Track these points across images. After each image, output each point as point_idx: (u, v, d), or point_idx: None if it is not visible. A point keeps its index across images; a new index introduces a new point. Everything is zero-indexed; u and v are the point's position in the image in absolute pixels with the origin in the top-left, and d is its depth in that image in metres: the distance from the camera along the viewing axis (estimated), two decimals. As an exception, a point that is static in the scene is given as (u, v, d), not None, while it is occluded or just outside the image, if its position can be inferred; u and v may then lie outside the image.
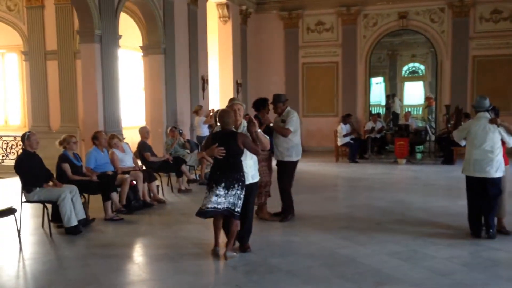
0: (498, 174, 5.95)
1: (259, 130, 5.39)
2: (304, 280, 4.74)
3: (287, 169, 7.01)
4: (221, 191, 5.14)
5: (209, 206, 5.15)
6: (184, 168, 9.31)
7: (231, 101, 5.62)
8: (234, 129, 5.34)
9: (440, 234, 6.20)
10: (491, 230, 5.90)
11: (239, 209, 5.19)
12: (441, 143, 13.31)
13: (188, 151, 10.11)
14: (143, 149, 8.92)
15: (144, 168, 8.59)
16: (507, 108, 13.22)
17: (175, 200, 8.58)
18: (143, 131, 9.08)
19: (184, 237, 6.23)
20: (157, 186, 8.46)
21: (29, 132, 6.67)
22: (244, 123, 5.50)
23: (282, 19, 16.23)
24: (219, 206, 5.15)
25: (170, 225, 6.89)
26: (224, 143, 5.18)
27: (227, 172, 5.17)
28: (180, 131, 10.16)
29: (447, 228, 6.50)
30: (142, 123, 11.88)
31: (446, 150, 12.66)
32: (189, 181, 9.46)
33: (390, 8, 15.26)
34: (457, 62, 14.75)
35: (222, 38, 14.61)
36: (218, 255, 5.28)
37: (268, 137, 5.63)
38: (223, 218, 5.29)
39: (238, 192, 5.17)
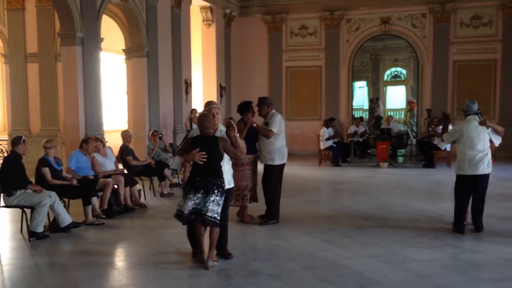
0: (489, 170, 6.43)
1: (237, 135, 5.37)
2: (286, 283, 4.75)
3: (269, 173, 7.00)
4: (198, 196, 5.07)
5: (186, 211, 5.08)
6: (167, 172, 9.26)
7: (209, 104, 5.57)
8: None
9: (420, 236, 6.26)
10: (480, 226, 6.37)
11: (218, 216, 5.09)
12: (422, 146, 13.46)
13: (170, 155, 10.06)
14: (125, 153, 8.85)
15: (125, 172, 8.52)
16: (487, 112, 13.43)
17: (157, 204, 8.53)
18: (125, 135, 9.01)
19: (166, 242, 6.19)
20: (139, 190, 8.39)
21: (23, 137, 6.65)
22: (221, 127, 5.44)
23: (266, 23, 16.28)
24: (196, 210, 5.08)
25: (152, 229, 6.84)
26: (205, 148, 5.11)
27: (207, 177, 5.09)
28: (161, 135, 10.10)
29: (428, 230, 6.58)
30: (125, 126, 11.79)
31: (427, 154, 12.80)
32: (172, 185, 9.40)
33: (373, 13, 15.41)
34: (438, 66, 14.95)
35: (206, 41, 14.59)
36: (204, 261, 5.19)
37: (244, 142, 5.60)
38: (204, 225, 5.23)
39: (218, 198, 5.08)
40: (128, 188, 7.93)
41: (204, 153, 5.08)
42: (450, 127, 12.59)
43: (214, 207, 5.04)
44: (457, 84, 14.84)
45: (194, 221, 5.19)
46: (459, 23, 14.71)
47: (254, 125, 6.77)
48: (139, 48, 11.26)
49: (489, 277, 4.83)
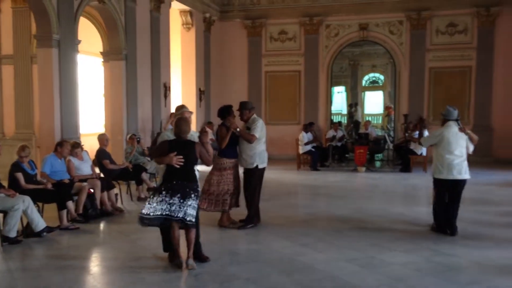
0: (467, 175, 6.63)
1: (209, 141, 5.44)
2: (262, 287, 4.75)
3: (250, 177, 7.01)
4: (175, 200, 5.05)
5: (153, 214, 5.02)
6: (144, 176, 9.18)
7: (180, 108, 5.57)
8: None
9: (396, 240, 6.34)
10: (455, 229, 6.51)
11: (194, 219, 5.13)
12: (399, 151, 13.65)
13: (148, 158, 9.98)
14: (101, 157, 8.75)
15: (102, 176, 8.42)
16: (462, 118, 13.49)
17: (134, 209, 8.43)
18: (102, 138, 8.91)
19: (143, 247, 6.13)
20: (116, 195, 8.31)
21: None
22: (192, 132, 5.47)
23: (246, 28, 16.32)
24: (173, 214, 5.05)
25: (128, 234, 6.77)
26: (182, 151, 5.13)
27: (184, 181, 5.12)
28: (138, 139, 10.03)
29: (404, 234, 6.66)
30: (102, 130, 11.66)
31: (404, 159, 12.98)
32: (149, 189, 9.29)
33: (351, 20, 15.59)
34: (415, 73, 15.19)
35: (185, 45, 14.56)
36: (181, 266, 5.17)
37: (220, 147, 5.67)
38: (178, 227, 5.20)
39: (194, 202, 5.13)
40: (104, 192, 7.83)
41: (182, 157, 5.09)
42: (426, 131, 12.89)
43: (191, 211, 5.08)
44: (433, 90, 15.10)
45: (160, 225, 5.16)
46: (435, 30, 14.98)
47: (238, 129, 6.79)
48: (117, 51, 11.17)
49: (461, 280, 4.91)
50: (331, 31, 15.84)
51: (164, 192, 5.10)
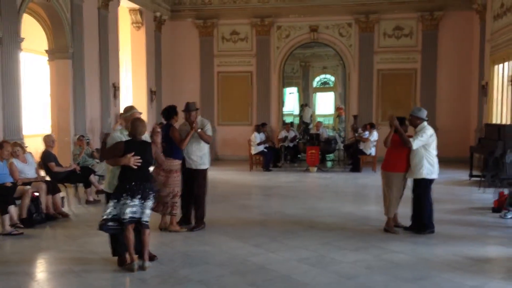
0: None
1: (160, 141, 5.42)
2: (214, 289, 4.72)
3: (200, 178, 6.99)
4: (136, 202, 5.03)
5: (124, 217, 4.98)
6: (93, 178, 8.91)
7: (130, 109, 5.46)
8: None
9: (346, 238, 6.45)
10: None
11: (149, 219, 5.19)
12: (349, 151, 13.93)
13: (97, 160, 9.70)
14: (47, 159, 8.42)
15: (48, 179, 8.10)
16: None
17: (82, 212, 8.19)
18: (48, 140, 8.57)
19: (91, 251, 5.94)
20: (62, 198, 8.01)
21: None
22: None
23: (197, 27, 16.19)
24: (135, 216, 5.03)
25: (75, 238, 6.55)
26: (140, 152, 5.09)
27: (144, 182, 5.10)
28: (88, 140, 9.73)
29: (354, 232, 6.79)
30: (48, 131, 11.22)
31: (354, 159, 13.27)
32: (98, 192, 9.05)
33: (302, 21, 15.78)
34: (364, 74, 15.56)
35: (135, 44, 14.27)
36: (134, 269, 5.05)
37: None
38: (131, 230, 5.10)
39: (151, 202, 5.19)
40: (50, 196, 7.53)
41: (139, 157, 5.04)
42: (375, 132, 13.22)
43: (148, 212, 5.17)
44: (381, 92, 15.52)
45: (120, 229, 5.06)
46: (383, 33, 15.41)
47: (199, 130, 6.77)
48: (63, 50, 10.80)
49: (408, 276, 5.05)
50: (282, 33, 15.97)
51: (124, 195, 5.02)
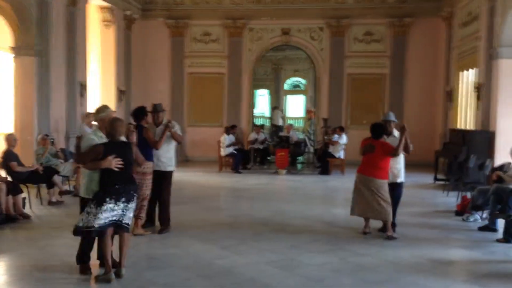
0: None
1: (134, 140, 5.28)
2: (179, 293, 4.64)
3: (168, 179, 6.98)
4: (120, 205, 4.83)
5: (97, 224, 4.72)
6: (56, 178, 8.68)
7: (105, 109, 5.27)
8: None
9: (314, 241, 6.47)
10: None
11: (130, 222, 5.06)
12: (318, 154, 14.01)
13: (62, 160, 9.45)
14: (8, 158, 8.14)
15: (9, 179, 7.84)
16: (377, 122, 14.26)
17: (44, 213, 7.96)
18: (9, 139, 8.30)
19: (53, 254, 5.77)
20: (24, 199, 7.76)
21: None
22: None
23: (169, 27, 16.02)
24: (117, 219, 4.85)
25: (36, 240, 6.35)
26: (121, 154, 4.90)
27: (127, 185, 4.93)
28: (52, 140, 9.47)
29: (321, 235, 6.81)
30: (10, 129, 10.87)
31: (323, 162, 13.35)
32: (61, 193, 8.84)
33: (274, 24, 15.81)
34: (334, 78, 15.68)
35: (105, 43, 13.99)
36: (111, 279, 4.80)
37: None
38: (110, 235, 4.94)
39: (134, 204, 5.07)
40: (10, 197, 7.29)
41: (121, 159, 4.86)
42: (344, 136, 13.34)
43: (130, 214, 5.01)
44: (351, 96, 15.68)
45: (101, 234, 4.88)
46: (353, 38, 15.58)
47: (173, 130, 6.77)
48: (28, 46, 10.47)
49: (375, 279, 5.09)
50: (255, 35, 15.97)
51: (108, 199, 4.78)
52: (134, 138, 5.23)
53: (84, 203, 5.00)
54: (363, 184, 6.71)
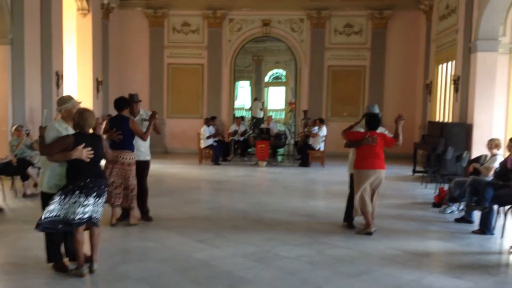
0: None
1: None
2: (154, 286, 4.57)
3: (147, 168, 7.04)
4: (90, 200, 4.67)
5: (76, 218, 4.61)
6: (31, 170, 8.49)
7: (69, 99, 5.03)
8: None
9: (291, 234, 6.44)
10: None
11: (99, 217, 4.90)
12: (298, 146, 14.01)
13: (38, 152, 9.23)
14: (-20, 150, 7.94)
15: (-19, 171, 7.65)
16: (356, 114, 14.34)
17: (18, 206, 7.79)
18: (-19, 130, 8.09)
19: (25, 248, 5.63)
20: (-3, 191, 7.59)
21: None
22: None
23: (147, 17, 15.80)
24: (84, 216, 4.68)
25: (8, 234, 6.21)
26: (91, 146, 4.71)
27: (98, 179, 4.76)
28: (27, 131, 9.26)
29: (298, 227, 6.80)
30: (-17, 120, 10.61)
31: (303, 154, 13.36)
32: (36, 185, 8.65)
33: (254, 15, 15.71)
34: (315, 70, 15.69)
35: (81, 32, 13.73)
36: (84, 274, 4.71)
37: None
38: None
39: (104, 199, 4.91)
40: (-18, 189, 7.11)
41: (91, 149, 4.69)
42: (324, 128, 13.35)
43: (101, 209, 4.87)
44: (331, 88, 15.71)
45: (60, 230, 4.75)
46: (334, 30, 15.58)
47: (156, 121, 6.82)
48: (2, 35, 10.23)
49: (350, 271, 5.08)
50: (235, 26, 15.84)
51: (77, 193, 4.60)
52: (100, 130, 4.98)
53: (46, 198, 4.77)
54: (375, 178, 6.46)
